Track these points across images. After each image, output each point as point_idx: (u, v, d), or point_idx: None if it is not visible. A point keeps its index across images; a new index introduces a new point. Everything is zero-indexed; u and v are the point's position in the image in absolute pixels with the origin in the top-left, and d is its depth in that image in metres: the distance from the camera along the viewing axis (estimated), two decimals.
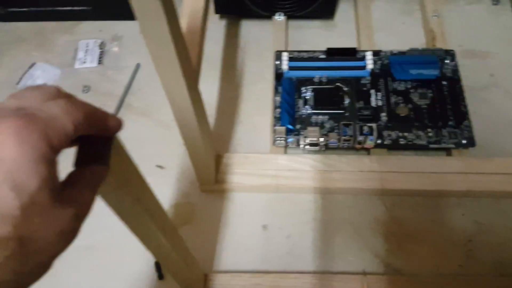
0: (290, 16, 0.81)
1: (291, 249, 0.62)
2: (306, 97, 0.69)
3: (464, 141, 0.64)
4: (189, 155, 0.57)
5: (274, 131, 0.65)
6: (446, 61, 0.70)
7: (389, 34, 0.79)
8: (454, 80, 0.69)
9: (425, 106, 0.67)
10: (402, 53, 0.72)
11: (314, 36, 0.81)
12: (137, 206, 0.33)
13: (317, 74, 0.71)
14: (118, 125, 0.26)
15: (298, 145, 0.66)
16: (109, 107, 0.75)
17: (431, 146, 0.64)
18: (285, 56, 0.71)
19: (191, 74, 0.47)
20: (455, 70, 0.70)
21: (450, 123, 0.65)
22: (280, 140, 0.65)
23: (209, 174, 0.63)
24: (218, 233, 0.63)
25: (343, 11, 0.84)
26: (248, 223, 0.64)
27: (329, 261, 0.60)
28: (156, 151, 0.70)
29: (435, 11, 0.77)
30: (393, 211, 0.63)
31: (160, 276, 0.60)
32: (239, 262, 0.61)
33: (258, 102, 0.74)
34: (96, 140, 0.26)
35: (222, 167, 0.66)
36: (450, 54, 0.71)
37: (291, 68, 0.71)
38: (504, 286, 0.55)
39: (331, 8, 0.79)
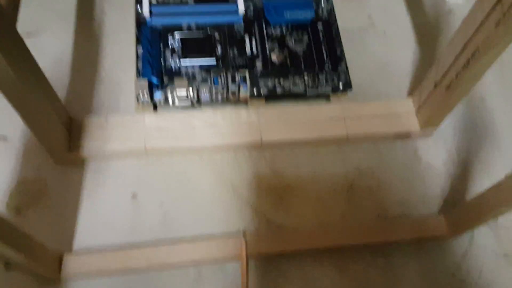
0: None
1: (164, 218, 0.55)
2: (174, 47, 0.61)
3: (341, 85, 0.61)
4: (24, 121, 0.47)
5: (136, 86, 0.57)
6: (322, 3, 0.66)
7: None
8: (330, 22, 0.65)
9: (301, 51, 0.63)
10: None
11: None
12: None
13: (185, 21, 0.63)
14: None
15: (167, 101, 0.59)
16: None
17: (309, 93, 0.60)
18: (145, 1, 0.62)
19: None
20: (331, 13, 0.66)
21: (326, 67, 0.62)
22: (144, 96, 0.57)
23: (59, 143, 0.53)
24: (78, 208, 0.54)
25: None
26: (113, 194, 0.56)
27: (206, 226, 0.55)
28: None
29: None
30: (273, 165, 0.59)
31: (7, 266, 0.50)
32: (105, 239, 0.53)
33: (121, 57, 0.65)
34: None
35: (77, 133, 0.56)
36: None
37: (154, 15, 0.63)
38: (384, 229, 0.54)
39: None
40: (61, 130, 0.53)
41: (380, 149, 0.61)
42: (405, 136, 0.61)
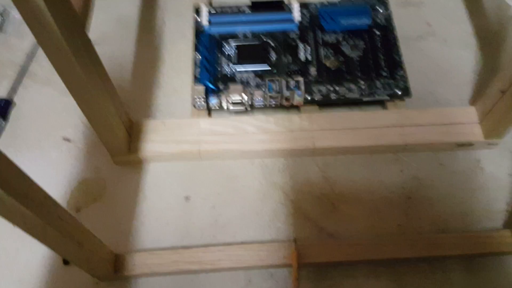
0: None
1: (216, 220, 0.55)
2: (229, 54, 0.62)
3: (399, 92, 0.59)
4: (90, 123, 0.50)
5: (193, 91, 0.58)
6: (379, 10, 0.65)
7: None
8: (388, 29, 0.64)
9: (357, 57, 0.62)
10: (332, 4, 0.66)
11: None
12: None
13: (241, 29, 0.64)
14: None
15: (222, 106, 0.60)
16: (9, 77, 0.66)
17: (365, 99, 0.59)
18: (204, 10, 0.64)
19: (73, 20, 0.39)
20: (389, 19, 0.65)
21: (384, 73, 0.60)
22: (200, 101, 0.58)
23: (121, 144, 0.55)
24: (135, 208, 0.56)
25: None
26: (168, 196, 0.57)
27: (257, 230, 0.54)
28: (63, 123, 0.62)
29: None
30: (326, 172, 0.58)
31: (65, 261, 0.52)
32: (159, 239, 0.54)
33: (179, 63, 0.67)
34: None
35: (137, 136, 0.58)
36: (383, 2, 0.66)
37: (212, 24, 0.64)
38: (444, 243, 0.51)
39: None
40: (123, 132, 0.56)
41: (440, 159, 0.58)
42: (467, 146, 0.58)
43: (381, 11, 0.65)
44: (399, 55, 0.61)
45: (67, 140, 0.61)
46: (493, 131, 0.56)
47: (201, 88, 0.57)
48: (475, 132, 0.57)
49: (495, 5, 0.70)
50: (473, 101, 0.61)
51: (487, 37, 0.67)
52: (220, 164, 0.59)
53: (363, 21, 0.63)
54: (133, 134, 0.58)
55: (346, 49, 0.62)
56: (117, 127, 0.53)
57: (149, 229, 0.55)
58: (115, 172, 0.58)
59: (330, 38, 0.63)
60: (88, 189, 0.57)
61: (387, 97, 0.59)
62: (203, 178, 0.58)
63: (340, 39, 0.63)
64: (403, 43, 0.64)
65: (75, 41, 0.40)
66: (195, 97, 0.58)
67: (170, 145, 0.58)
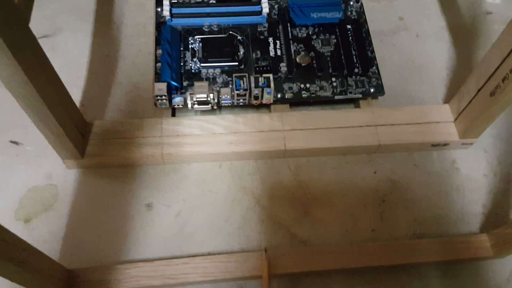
0: None
1: (181, 229, 0.51)
2: (194, 49, 0.58)
3: (372, 90, 0.56)
4: (37, 126, 0.45)
5: (154, 89, 0.54)
6: (350, 3, 0.62)
7: None
8: (360, 23, 0.61)
9: (329, 53, 0.59)
10: None
11: None
12: None
13: (206, 22, 0.60)
14: None
15: (186, 105, 0.55)
16: None
17: (337, 97, 0.56)
18: (166, 0, 0.59)
19: (10, 10, 0.34)
20: (361, 13, 0.62)
21: (356, 70, 0.57)
22: (162, 99, 0.53)
23: (73, 147, 0.50)
24: (90, 218, 0.51)
25: None
26: (127, 203, 0.52)
27: (226, 239, 0.51)
28: (10, 124, 0.56)
29: None
30: (298, 174, 0.55)
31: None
32: (117, 252, 0.50)
33: (140, 58, 0.62)
34: None
35: (92, 138, 0.53)
36: None
37: (174, 16, 0.60)
38: (419, 249, 0.49)
39: None
40: (75, 135, 0.51)
41: (414, 159, 0.56)
42: (442, 146, 0.56)
43: (352, 3, 0.62)
44: (372, 51, 0.59)
45: (15, 143, 0.55)
46: (468, 130, 0.54)
47: (162, 86, 0.53)
48: (450, 132, 0.55)
49: (468, 0, 0.68)
50: (448, 99, 0.59)
51: (461, 33, 0.66)
52: (185, 168, 0.55)
53: (334, 15, 0.60)
54: (87, 136, 0.53)
55: (317, 44, 0.59)
56: (68, 129, 0.48)
57: (106, 241, 0.50)
58: (68, 178, 0.53)
59: (301, 32, 0.60)
60: (39, 197, 0.52)
61: (360, 95, 0.56)
62: (166, 184, 0.54)
63: (311, 33, 0.60)
64: (375, 38, 0.61)
65: (13, 35, 0.35)
66: (156, 95, 0.53)
67: (130, 147, 0.53)
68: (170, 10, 0.59)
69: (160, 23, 0.60)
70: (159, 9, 0.60)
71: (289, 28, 0.60)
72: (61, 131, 0.46)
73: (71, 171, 0.54)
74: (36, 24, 0.63)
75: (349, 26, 0.60)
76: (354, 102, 0.59)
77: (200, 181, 0.54)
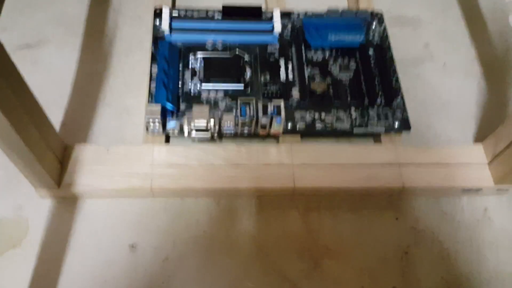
0: None
1: (169, 277, 0.43)
2: (195, 68, 0.52)
3: (396, 124, 0.50)
4: (4, 152, 0.38)
5: (146, 111, 0.47)
6: (372, 26, 0.56)
7: None
8: (383, 48, 0.55)
9: (347, 80, 0.52)
10: (318, 16, 0.57)
11: None
12: None
13: (209, 39, 0.53)
14: None
15: (183, 132, 0.48)
16: None
17: (356, 131, 0.49)
18: (166, 13, 0.53)
19: None
20: (384, 37, 0.56)
21: (378, 101, 0.51)
22: (154, 124, 0.46)
23: (48, 176, 0.43)
24: (64, 258, 0.43)
25: None
26: (109, 243, 0.45)
27: None
28: None
29: None
30: (308, 218, 0.47)
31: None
32: None
33: (133, 77, 0.55)
34: None
35: (71, 165, 0.46)
36: (377, 17, 0.57)
37: (174, 30, 0.53)
38: None
39: None
40: (51, 161, 0.43)
41: (442, 206, 0.49)
42: (474, 191, 0.49)
43: (375, 27, 0.56)
44: (396, 79, 0.52)
45: None
46: (504, 176, 0.47)
47: (156, 108, 0.46)
48: (484, 176, 0.48)
49: (500, 29, 0.62)
50: (479, 138, 0.53)
51: (492, 66, 0.59)
52: (177, 205, 0.47)
53: (355, 38, 0.54)
54: (66, 163, 0.46)
55: (334, 69, 0.53)
56: (41, 154, 0.41)
57: (83, 282, 0.42)
58: (41, 210, 0.46)
59: (316, 55, 0.54)
60: (6, 232, 0.44)
61: (383, 129, 0.49)
62: (155, 222, 0.46)
63: (327, 57, 0.54)
64: (398, 67, 0.55)
65: None
66: (148, 118, 0.46)
67: (114, 178, 0.46)
68: (170, 24, 0.53)
69: (157, 38, 0.53)
70: (157, 23, 0.54)
71: (303, 50, 0.54)
72: (32, 157, 0.39)
73: (44, 202, 0.46)
74: (18, 33, 0.57)
75: (371, 52, 0.54)
76: (374, 137, 0.52)
77: (194, 220, 0.46)
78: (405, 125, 0.50)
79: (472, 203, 0.49)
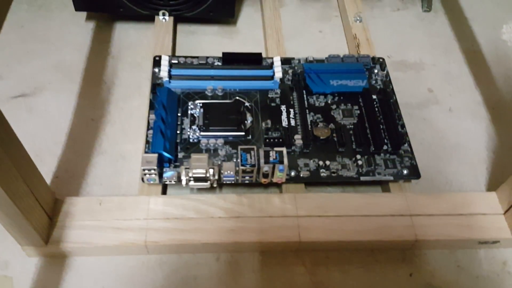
0: (179, 18, 0.63)
1: None
2: (194, 115, 0.50)
3: (405, 172, 0.47)
4: None
5: (142, 163, 0.44)
6: (375, 71, 0.55)
7: (303, 43, 0.64)
8: (387, 93, 0.53)
9: (351, 126, 0.50)
10: (319, 61, 0.56)
11: (210, 43, 0.63)
12: None
13: (209, 85, 0.52)
14: None
15: (180, 182, 0.46)
16: None
17: (363, 178, 0.47)
18: (165, 60, 0.52)
19: None
20: (387, 81, 0.54)
21: (385, 147, 0.49)
22: (151, 174, 0.44)
23: (36, 231, 0.40)
24: None
25: (247, 16, 0.67)
26: None
27: None
28: None
29: (357, 14, 0.63)
30: (315, 274, 0.44)
31: None
32: None
33: (131, 125, 0.53)
34: None
35: (61, 219, 0.43)
36: (379, 62, 0.56)
37: (174, 77, 0.52)
38: None
39: (229, 7, 0.61)
40: (39, 216, 0.40)
41: (458, 259, 0.45)
42: (491, 244, 0.46)
43: (377, 71, 0.55)
44: (402, 124, 0.51)
45: None
46: None
47: (152, 158, 0.44)
48: (500, 226, 0.45)
49: (504, 72, 0.61)
50: (491, 182, 0.50)
51: (499, 109, 0.58)
52: (174, 261, 0.44)
53: (357, 83, 0.52)
54: (56, 217, 0.43)
55: (337, 115, 0.51)
56: (29, 210, 0.38)
57: None
58: (27, 268, 0.42)
59: (318, 100, 0.52)
60: None
61: (391, 178, 0.47)
62: (149, 279, 0.43)
63: (330, 102, 0.52)
64: (402, 111, 0.53)
65: None
66: (144, 168, 0.44)
67: (107, 233, 0.43)
68: (169, 71, 0.52)
69: (156, 85, 0.52)
70: (156, 70, 0.53)
71: (305, 96, 0.52)
72: (18, 212, 0.36)
73: (31, 260, 0.43)
74: (15, 82, 0.56)
75: (374, 96, 0.52)
76: (382, 185, 0.50)
77: (191, 278, 0.43)
78: (415, 172, 0.47)
79: (490, 256, 0.46)
